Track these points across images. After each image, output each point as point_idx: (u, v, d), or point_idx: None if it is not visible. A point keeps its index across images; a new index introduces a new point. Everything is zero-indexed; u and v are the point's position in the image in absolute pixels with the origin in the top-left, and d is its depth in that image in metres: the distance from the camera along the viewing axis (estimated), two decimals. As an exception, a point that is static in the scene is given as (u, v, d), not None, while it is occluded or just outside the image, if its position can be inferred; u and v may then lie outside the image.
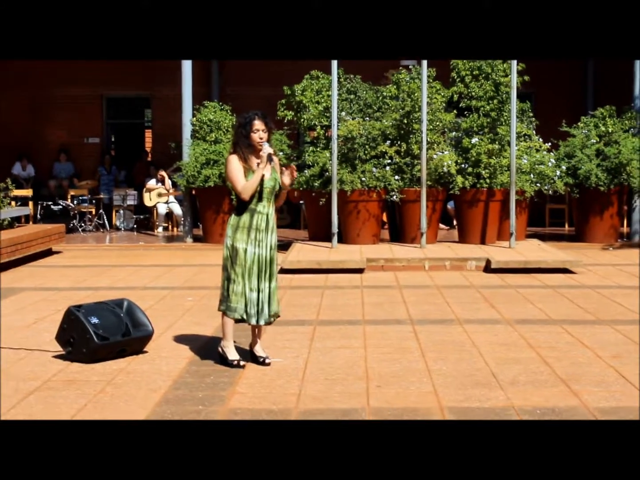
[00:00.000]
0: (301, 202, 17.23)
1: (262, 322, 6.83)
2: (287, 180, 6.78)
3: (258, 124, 6.72)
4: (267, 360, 6.87)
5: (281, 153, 15.76)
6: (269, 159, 6.69)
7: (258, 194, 6.74)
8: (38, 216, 18.90)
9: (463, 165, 14.67)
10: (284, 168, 6.82)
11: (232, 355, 6.82)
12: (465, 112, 15.29)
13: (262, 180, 6.72)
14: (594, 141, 15.93)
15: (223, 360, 6.83)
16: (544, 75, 18.53)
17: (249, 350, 7.03)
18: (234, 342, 6.95)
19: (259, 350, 6.95)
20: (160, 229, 18.63)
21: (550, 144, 15.76)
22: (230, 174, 6.82)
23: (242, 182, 6.72)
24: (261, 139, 6.71)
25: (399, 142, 14.83)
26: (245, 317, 6.78)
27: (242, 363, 6.78)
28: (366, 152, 14.70)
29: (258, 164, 6.70)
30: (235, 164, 6.76)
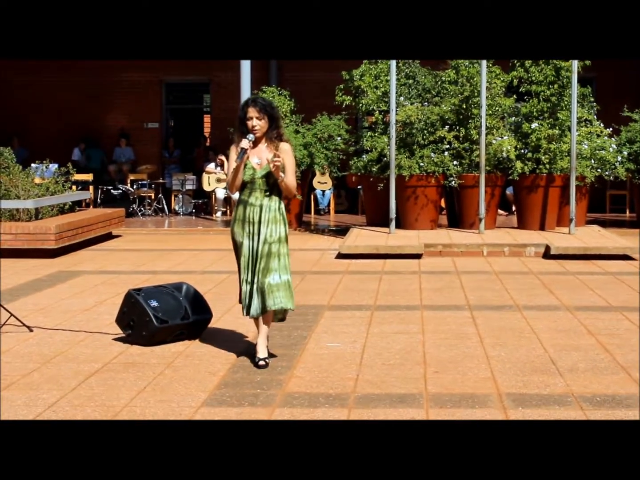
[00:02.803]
0: (359, 187, 17.22)
1: (246, 315, 6.40)
2: (274, 170, 6.18)
3: (252, 111, 6.25)
4: (260, 363, 6.32)
5: (339, 138, 15.77)
6: (242, 153, 6.20)
7: (249, 186, 6.35)
8: (98, 200, 19.13)
9: (522, 151, 14.54)
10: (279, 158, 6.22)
11: (259, 352, 6.41)
12: (525, 97, 15.13)
13: (253, 171, 6.32)
14: (657, 126, 15.69)
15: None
16: (605, 60, 18.27)
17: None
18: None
19: (258, 350, 6.42)
20: (218, 214, 18.74)
21: (611, 129, 15.55)
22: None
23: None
24: (254, 127, 6.25)
25: (457, 127, 14.74)
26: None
27: (260, 363, 6.30)
28: (424, 137, 14.63)
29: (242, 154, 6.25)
30: (231, 154, 6.41)
